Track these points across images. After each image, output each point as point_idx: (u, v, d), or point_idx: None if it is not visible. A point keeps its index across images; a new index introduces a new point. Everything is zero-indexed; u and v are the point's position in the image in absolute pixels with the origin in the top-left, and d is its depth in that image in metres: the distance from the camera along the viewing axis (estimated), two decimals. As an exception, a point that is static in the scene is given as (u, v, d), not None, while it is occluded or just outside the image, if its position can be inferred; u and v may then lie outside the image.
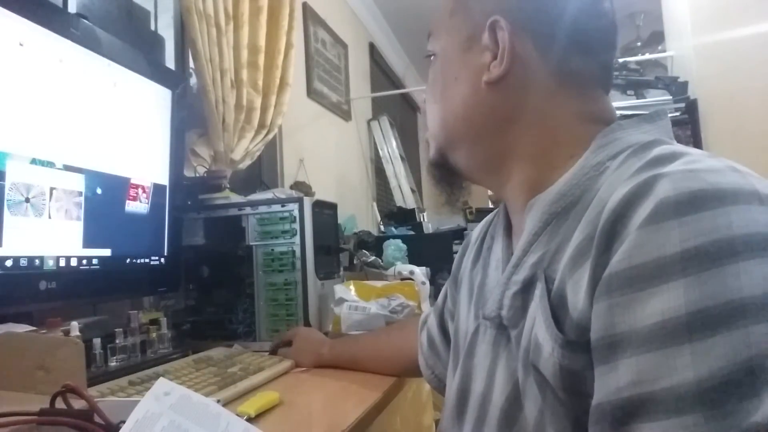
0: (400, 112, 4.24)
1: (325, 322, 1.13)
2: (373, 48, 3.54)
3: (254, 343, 1.10)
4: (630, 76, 2.73)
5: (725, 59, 2.40)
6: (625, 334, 0.34)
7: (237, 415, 0.55)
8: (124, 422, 0.45)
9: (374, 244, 1.96)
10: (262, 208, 1.13)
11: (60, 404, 0.48)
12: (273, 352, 1.01)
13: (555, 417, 0.41)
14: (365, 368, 0.90)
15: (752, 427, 0.29)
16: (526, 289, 0.47)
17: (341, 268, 1.37)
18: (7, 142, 0.76)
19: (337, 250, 1.31)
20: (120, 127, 0.98)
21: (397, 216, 2.95)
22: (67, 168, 0.85)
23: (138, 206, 1.02)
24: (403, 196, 3.23)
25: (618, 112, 0.52)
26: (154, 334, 1.00)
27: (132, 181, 1.00)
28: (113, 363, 0.90)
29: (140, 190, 1.02)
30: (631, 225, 0.35)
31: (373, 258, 1.77)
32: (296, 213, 1.11)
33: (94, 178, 0.90)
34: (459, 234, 2.17)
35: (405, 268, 1.61)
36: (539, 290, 0.44)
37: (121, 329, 0.93)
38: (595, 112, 0.50)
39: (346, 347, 0.95)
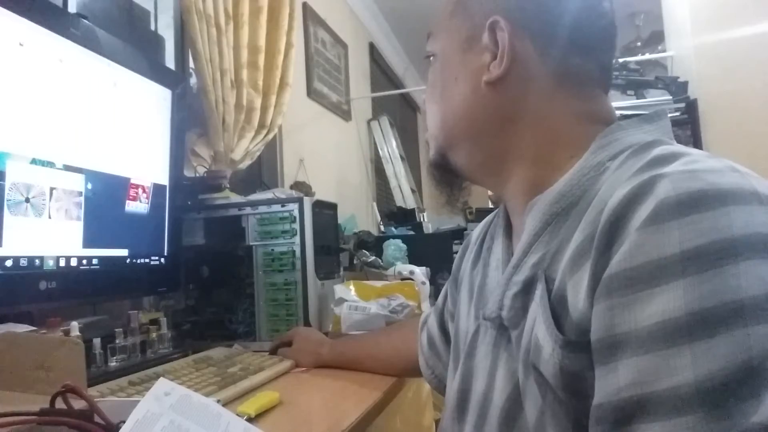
0: (400, 112, 4.24)
1: (325, 322, 1.13)
2: (373, 48, 3.54)
3: (254, 343, 1.10)
4: (630, 76, 2.73)
5: (725, 59, 2.40)
6: (625, 335, 0.34)
7: (237, 415, 0.55)
8: (124, 422, 0.45)
9: (374, 244, 1.96)
10: (262, 208, 1.13)
11: (60, 404, 0.48)
12: (273, 352, 1.00)
13: (555, 417, 0.41)
14: (365, 368, 0.90)
15: (752, 428, 0.29)
16: (526, 290, 0.47)
17: (341, 268, 1.37)
18: (7, 142, 0.76)
19: (337, 250, 1.31)
20: (120, 127, 0.98)
21: (397, 216, 2.95)
22: (67, 168, 0.85)
23: (138, 206, 1.02)
24: (403, 196, 3.23)
25: (618, 112, 0.52)
26: (154, 334, 1.00)
27: (132, 181, 1.00)
28: (113, 363, 0.90)
29: (140, 190, 1.02)
30: (631, 226, 0.35)
31: (373, 258, 1.77)
32: (296, 213, 1.11)
33: (94, 178, 0.90)
34: (459, 234, 2.16)
35: (405, 268, 1.61)
36: (539, 291, 0.44)
37: (121, 329, 0.93)
38: (594, 113, 0.50)
39: (346, 347, 0.95)
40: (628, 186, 0.37)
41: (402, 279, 1.53)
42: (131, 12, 1.48)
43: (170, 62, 1.59)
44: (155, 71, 1.08)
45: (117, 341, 0.92)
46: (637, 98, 2.68)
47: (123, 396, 0.71)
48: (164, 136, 1.10)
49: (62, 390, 0.48)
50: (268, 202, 1.14)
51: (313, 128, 2.43)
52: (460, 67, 0.54)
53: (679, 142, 0.46)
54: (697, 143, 2.38)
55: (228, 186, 1.30)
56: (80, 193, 0.88)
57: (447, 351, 0.71)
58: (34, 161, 0.80)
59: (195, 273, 1.17)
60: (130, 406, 0.47)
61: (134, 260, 1.01)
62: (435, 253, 1.99)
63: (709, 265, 0.32)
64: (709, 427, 0.30)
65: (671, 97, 2.52)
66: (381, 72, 3.73)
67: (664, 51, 2.96)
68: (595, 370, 0.36)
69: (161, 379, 0.51)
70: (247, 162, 1.67)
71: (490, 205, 2.60)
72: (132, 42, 1.24)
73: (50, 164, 0.82)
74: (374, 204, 3.11)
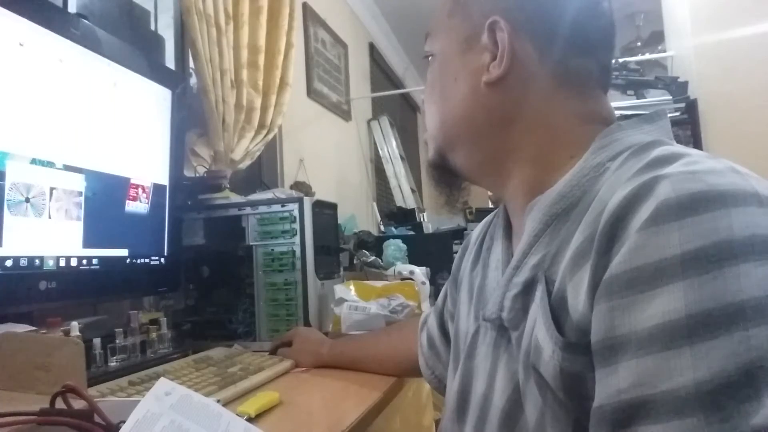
0: (400, 112, 4.24)
1: (325, 322, 1.13)
2: (373, 48, 3.54)
3: (254, 343, 1.10)
4: (630, 76, 2.73)
5: (725, 59, 2.40)
6: (625, 337, 0.34)
7: (237, 415, 0.55)
8: (124, 422, 0.45)
9: (374, 244, 1.96)
10: (262, 208, 1.13)
11: (60, 404, 0.48)
12: (273, 352, 1.00)
13: (555, 419, 0.41)
14: (365, 368, 0.90)
15: (752, 430, 0.29)
16: (526, 291, 0.47)
17: (341, 268, 1.37)
18: (7, 142, 0.76)
19: (337, 250, 1.31)
20: (120, 127, 0.98)
21: (397, 216, 2.95)
22: (67, 168, 0.85)
23: (138, 206, 1.02)
24: (403, 196, 3.23)
25: (618, 112, 0.52)
26: (154, 334, 1.00)
27: (132, 181, 1.00)
28: (113, 363, 0.90)
29: (140, 190, 1.02)
30: (631, 227, 0.35)
31: (373, 258, 1.77)
32: (296, 213, 1.11)
33: (94, 178, 0.90)
34: (459, 234, 2.17)
35: (405, 268, 1.61)
36: (540, 292, 0.44)
37: (121, 329, 0.93)
38: (594, 113, 0.50)
39: (346, 347, 0.95)
40: (628, 187, 0.37)
41: (402, 279, 1.53)
42: (131, 12, 1.48)
43: (170, 62, 1.59)
44: (155, 71, 1.08)
45: (117, 341, 0.92)
46: (637, 98, 2.68)
47: (123, 396, 0.71)
48: (164, 136, 1.10)
49: (62, 390, 0.48)
50: (268, 202, 1.14)
51: (313, 128, 2.43)
52: (459, 67, 0.54)
53: (679, 142, 0.46)
54: (697, 143, 2.38)
55: (228, 186, 1.30)
56: (80, 193, 0.88)
57: (447, 351, 0.71)
58: (34, 161, 0.80)
59: (195, 273, 1.17)
60: (130, 406, 0.47)
61: (134, 260, 1.01)
62: (435, 253, 1.99)
63: (709, 266, 0.32)
64: (710, 429, 0.30)
65: (671, 97, 2.52)
66: (381, 72, 3.72)
67: (664, 51, 2.96)
68: (595, 371, 0.36)
69: (161, 378, 0.51)
70: (247, 162, 1.67)
71: (490, 205, 2.60)
72: (132, 42, 1.24)
73: (50, 164, 0.82)
74: (374, 204, 3.11)
